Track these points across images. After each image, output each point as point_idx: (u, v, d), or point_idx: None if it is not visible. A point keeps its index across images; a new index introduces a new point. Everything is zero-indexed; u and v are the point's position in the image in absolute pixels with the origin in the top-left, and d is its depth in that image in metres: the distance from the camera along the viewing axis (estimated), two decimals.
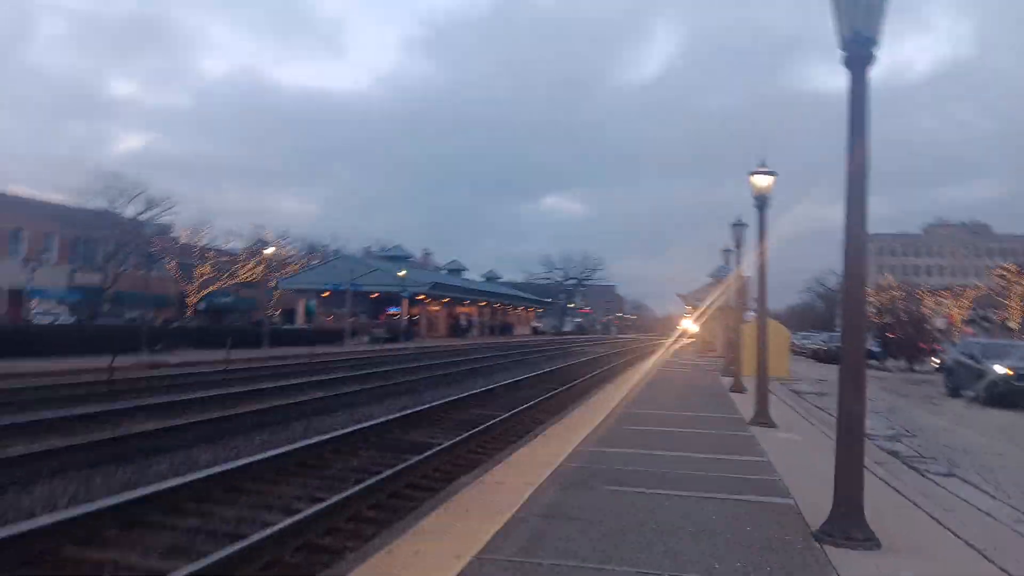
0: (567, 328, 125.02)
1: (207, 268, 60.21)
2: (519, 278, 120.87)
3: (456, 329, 69.39)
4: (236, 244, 67.67)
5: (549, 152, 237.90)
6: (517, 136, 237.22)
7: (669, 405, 15.34)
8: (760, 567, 5.08)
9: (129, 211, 54.52)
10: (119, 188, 53.55)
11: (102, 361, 18.65)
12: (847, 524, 5.70)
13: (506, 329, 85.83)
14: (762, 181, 13.63)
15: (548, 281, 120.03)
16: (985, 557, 5.71)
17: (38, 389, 15.98)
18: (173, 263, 58.94)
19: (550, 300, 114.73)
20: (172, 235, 60.85)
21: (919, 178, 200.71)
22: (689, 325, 49.05)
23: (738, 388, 18.69)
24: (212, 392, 16.90)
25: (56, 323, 35.91)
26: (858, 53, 5.79)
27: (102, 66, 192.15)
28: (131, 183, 54.94)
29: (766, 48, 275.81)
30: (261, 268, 54.26)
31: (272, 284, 61.29)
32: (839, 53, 5.85)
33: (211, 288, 61.09)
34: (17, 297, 46.24)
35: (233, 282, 61.70)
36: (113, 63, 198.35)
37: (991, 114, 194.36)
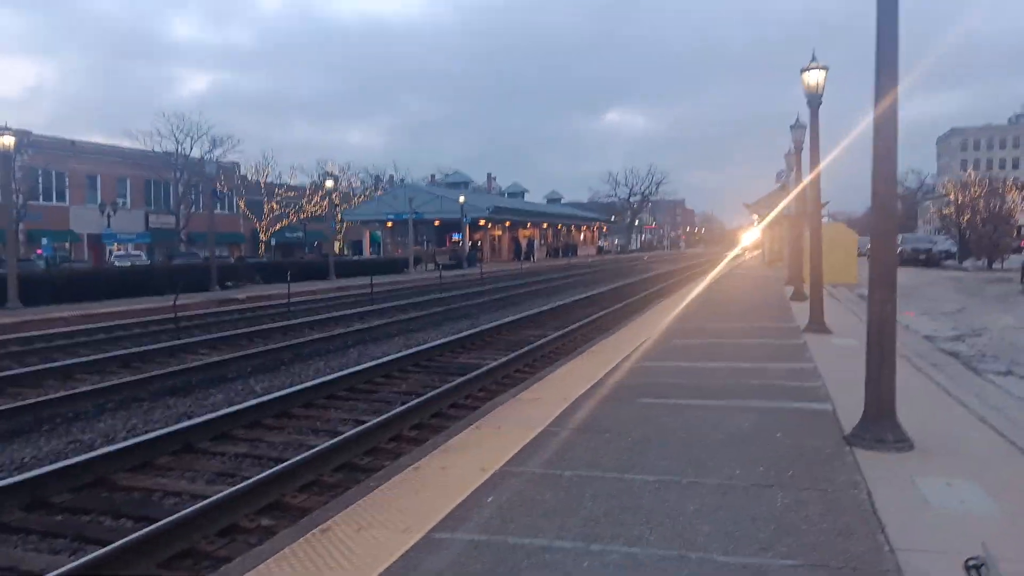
0: (634, 246, 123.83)
1: (275, 204, 61.62)
2: (583, 197, 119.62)
3: (519, 252, 69.46)
4: (302, 179, 68.96)
5: (609, 66, 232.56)
6: (576, 51, 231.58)
7: (723, 317, 15.15)
8: (783, 470, 5.06)
9: (196, 152, 55.91)
10: (185, 129, 54.89)
11: (180, 299, 19.44)
12: (879, 427, 5.59)
13: (570, 250, 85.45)
14: (814, 77, 12.97)
15: (613, 198, 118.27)
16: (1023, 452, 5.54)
17: (110, 328, 16.80)
18: (242, 201, 60.45)
19: (614, 218, 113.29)
20: (240, 173, 62.31)
21: (1006, 68, 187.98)
22: (752, 236, 47.83)
23: (799, 296, 18.28)
24: (274, 324, 17.48)
25: (134, 265, 37.34)
26: None
27: (162, 7, 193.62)
28: (196, 124, 56.26)
29: None
30: (326, 202, 55.09)
31: (338, 217, 62.36)
32: None
33: (280, 224, 62.61)
34: (97, 241, 48.39)
35: (301, 216, 63.09)
36: (171, 3, 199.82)
37: None
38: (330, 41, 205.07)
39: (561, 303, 22.28)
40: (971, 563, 2.29)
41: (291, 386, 9.80)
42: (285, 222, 62.95)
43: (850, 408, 6.29)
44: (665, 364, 9.50)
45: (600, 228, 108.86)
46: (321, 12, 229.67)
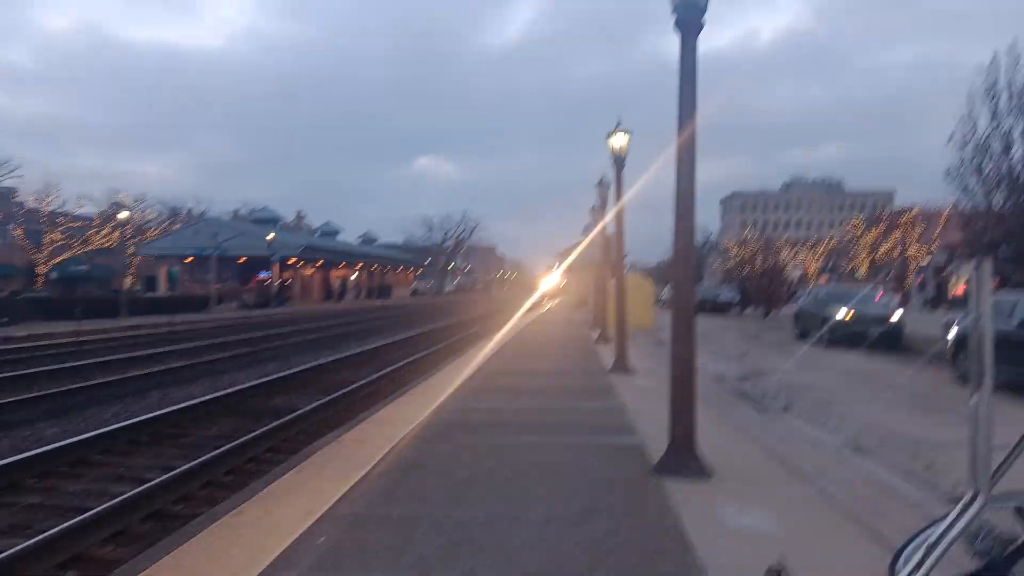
0: (448, 288, 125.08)
1: (57, 235, 56.24)
2: (399, 239, 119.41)
3: (331, 293, 67.99)
4: (90, 209, 63.51)
5: (419, 115, 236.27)
6: (385, 100, 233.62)
7: (535, 357, 15.77)
8: (599, 500, 5.40)
9: None
10: None
11: None
12: (682, 458, 6.13)
13: (385, 292, 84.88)
14: (618, 141, 14.07)
15: (428, 242, 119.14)
16: (805, 479, 6.29)
17: None
18: (18, 230, 54.67)
19: (429, 261, 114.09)
20: (16, 200, 56.35)
21: (778, 140, 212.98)
22: (554, 282, 50.03)
23: (603, 340, 19.41)
24: (61, 364, 15.96)
25: None
26: (687, 19, 6.08)
27: None
28: None
29: (625, 17, 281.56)
30: (117, 234, 51.11)
31: (130, 251, 58.01)
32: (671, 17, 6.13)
33: (63, 256, 57.16)
34: None
35: (87, 249, 57.98)
36: None
37: (830, 83, 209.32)
38: (122, 69, 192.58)
39: (377, 344, 22.12)
40: (774, 569, 2.64)
41: (87, 431, 9.02)
42: (68, 254, 57.58)
43: (655, 441, 6.82)
44: (484, 404, 9.77)
45: (415, 271, 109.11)
46: (112, 37, 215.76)
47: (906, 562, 3.16)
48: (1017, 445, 2.95)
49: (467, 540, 4.56)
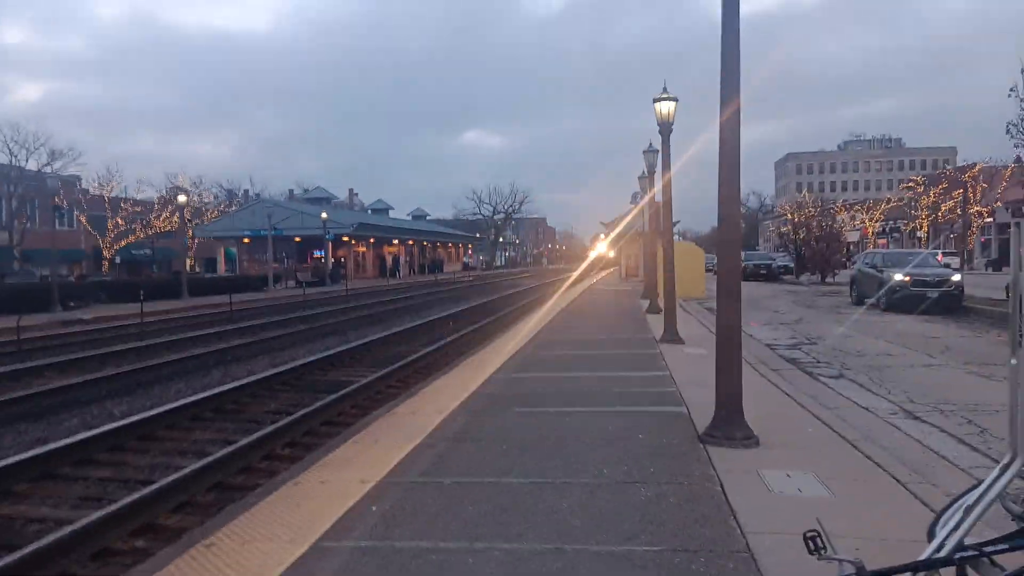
0: (498, 262, 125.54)
1: (120, 220, 58.03)
2: (448, 214, 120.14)
3: (384, 269, 68.89)
4: (150, 193, 65.37)
5: (464, 86, 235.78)
6: (430, 71, 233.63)
7: (586, 329, 15.83)
8: (645, 468, 5.48)
9: (32, 164, 51.89)
10: (20, 140, 50.82)
11: (13, 321, 18.02)
12: (728, 426, 6.16)
13: (436, 266, 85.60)
14: (665, 107, 13.91)
15: (477, 216, 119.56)
16: (853, 445, 6.26)
17: None
18: (83, 216, 56.60)
19: (479, 235, 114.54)
20: (81, 187, 58.32)
21: (834, 98, 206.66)
22: (604, 252, 49.65)
23: (654, 309, 19.33)
24: (126, 346, 16.62)
25: None
26: None
27: None
28: (31, 134, 52.27)
29: None
30: (177, 217, 52.46)
31: (190, 233, 59.52)
32: None
33: (126, 240, 59.01)
34: None
35: (149, 232, 59.73)
36: None
37: (884, 33, 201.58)
38: (173, 52, 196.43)
39: (431, 318, 22.43)
40: (808, 535, 2.69)
41: (152, 408, 9.43)
42: (132, 238, 59.37)
43: (703, 410, 6.85)
44: (534, 375, 9.89)
45: (466, 245, 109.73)
46: (162, 22, 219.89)
47: (945, 524, 3.17)
48: None
49: (515, 506, 4.70)
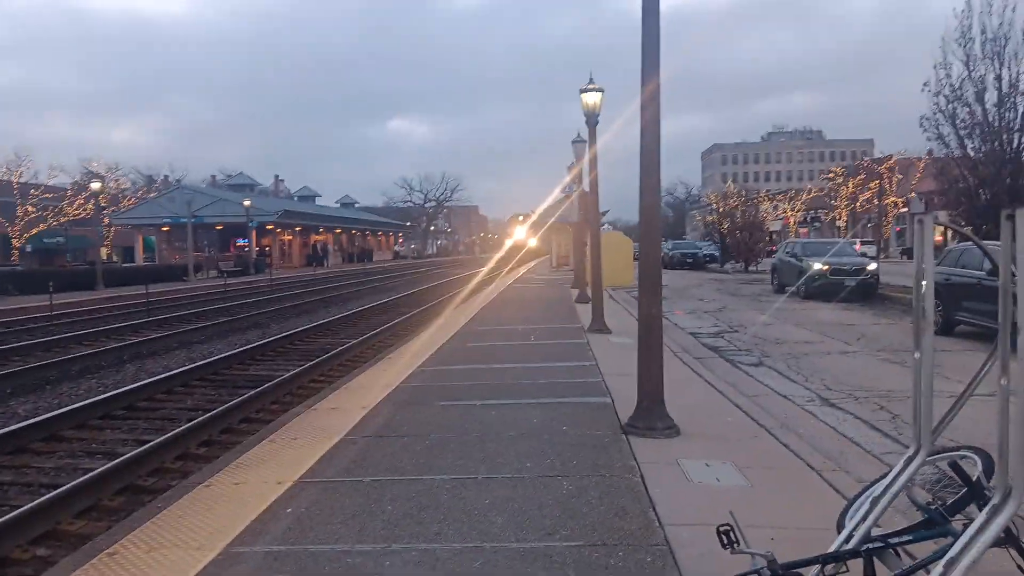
0: (430, 251, 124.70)
1: (30, 207, 55.33)
2: (379, 202, 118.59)
3: (311, 258, 67.56)
4: (63, 179, 62.48)
5: (388, 77, 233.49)
6: (352, 61, 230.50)
7: (515, 319, 15.82)
8: (567, 461, 5.47)
9: None
10: None
11: None
12: (650, 416, 6.21)
13: (365, 256, 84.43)
14: (591, 98, 13.97)
15: (408, 204, 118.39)
16: (771, 434, 6.39)
17: None
18: None
19: (409, 224, 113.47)
20: None
21: (756, 91, 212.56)
22: (535, 241, 49.29)
23: (583, 299, 19.45)
24: (34, 339, 15.84)
25: None
26: None
27: None
28: None
29: None
30: (91, 204, 50.27)
31: (105, 220, 57.18)
32: None
33: (37, 228, 56.32)
34: None
35: (62, 220, 57.14)
36: None
37: (800, 32, 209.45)
38: (88, 36, 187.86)
39: (357, 309, 22.08)
40: (722, 529, 2.70)
41: (60, 407, 8.98)
42: (43, 226, 56.71)
43: (627, 400, 6.89)
44: (460, 367, 9.81)
45: (396, 234, 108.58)
46: (77, 4, 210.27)
47: (853, 515, 3.22)
48: (957, 401, 3.00)
49: (435, 504, 4.62)
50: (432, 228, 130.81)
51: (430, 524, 4.29)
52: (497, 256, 48.96)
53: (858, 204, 67.94)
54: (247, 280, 40.96)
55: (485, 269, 42.72)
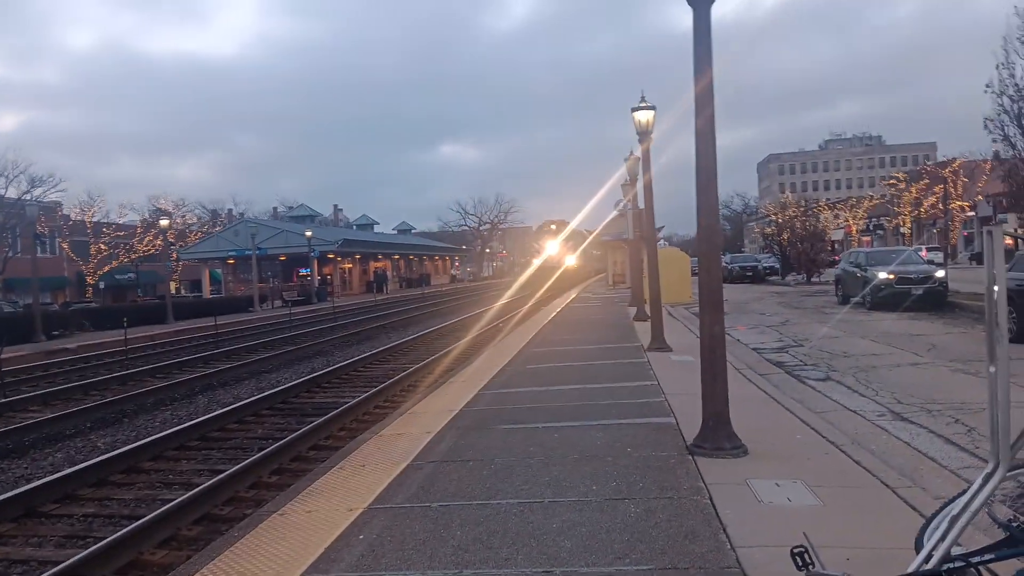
0: (486, 273, 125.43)
1: (103, 245, 57.71)
2: (434, 227, 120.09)
3: (371, 285, 68.68)
4: (132, 217, 65.11)
5: (433, 103, 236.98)
6: (402, 91, 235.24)
7: (573, 340, 15.80)
8: (634, 483, 5.44)
9: (12, 192, 51.46)
10: None
11: None
12: (716, 436, 6.13)
13: (423, 280, 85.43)
14: (643, 116, 13.97)
15: (463, 227, 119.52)
16: (842, 450, 6.25)
17: None
18: (65, 242, 56.22)
19: (465, 247, 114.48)
20: (62, 213, 57.93)
21: (812, 99, 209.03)
22: (591, 260, 48.91)
23: (642, 317, 19.32)
24: (112, 374, 16.45)
25: None
26: None
27: None
28: (10, 162, 51.80)
29: None
30: (160, 240, 52.17)
31: (174, 256, 59.20)
32: None
33: (110, 266, 58.68)
34: None
35: (133, 256, 59.42)
36: None
37: (842, 40, 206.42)
38: (145, 78, 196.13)
39: (418, 334, 22.34)
40: (796, 551, 2.67)
41: (137, 439, 9.32)
42: (115, 263, 59.10)
43: (691, 420, 6.83)
44: (522, 390, 9.85)
45: (452, 257, 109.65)
46: (133, 50, 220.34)
47: (932, 534, 3.15)
48: None
49: (503, 529, 4.65)
50: (487, 250, 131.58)
51: (499, 549, 4.32)
52: (551, 277, 48.41)
53: (922, 210, 65.89)
54: (310, 308, 41.83)
55: (539, 289, 42.65)
